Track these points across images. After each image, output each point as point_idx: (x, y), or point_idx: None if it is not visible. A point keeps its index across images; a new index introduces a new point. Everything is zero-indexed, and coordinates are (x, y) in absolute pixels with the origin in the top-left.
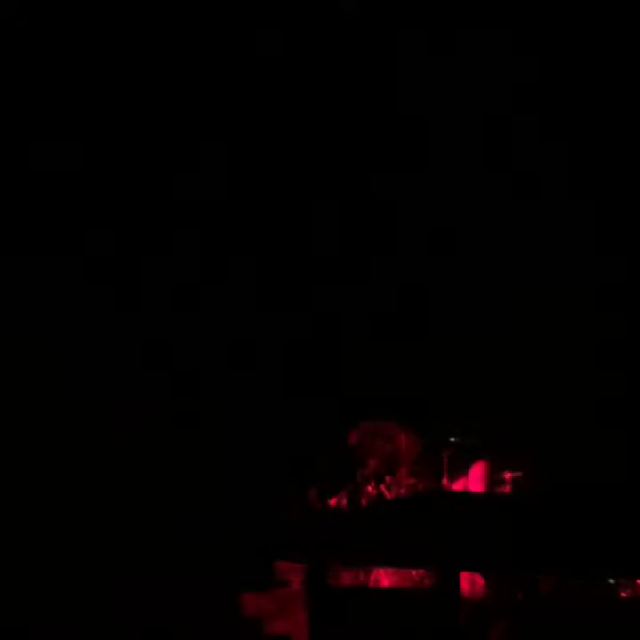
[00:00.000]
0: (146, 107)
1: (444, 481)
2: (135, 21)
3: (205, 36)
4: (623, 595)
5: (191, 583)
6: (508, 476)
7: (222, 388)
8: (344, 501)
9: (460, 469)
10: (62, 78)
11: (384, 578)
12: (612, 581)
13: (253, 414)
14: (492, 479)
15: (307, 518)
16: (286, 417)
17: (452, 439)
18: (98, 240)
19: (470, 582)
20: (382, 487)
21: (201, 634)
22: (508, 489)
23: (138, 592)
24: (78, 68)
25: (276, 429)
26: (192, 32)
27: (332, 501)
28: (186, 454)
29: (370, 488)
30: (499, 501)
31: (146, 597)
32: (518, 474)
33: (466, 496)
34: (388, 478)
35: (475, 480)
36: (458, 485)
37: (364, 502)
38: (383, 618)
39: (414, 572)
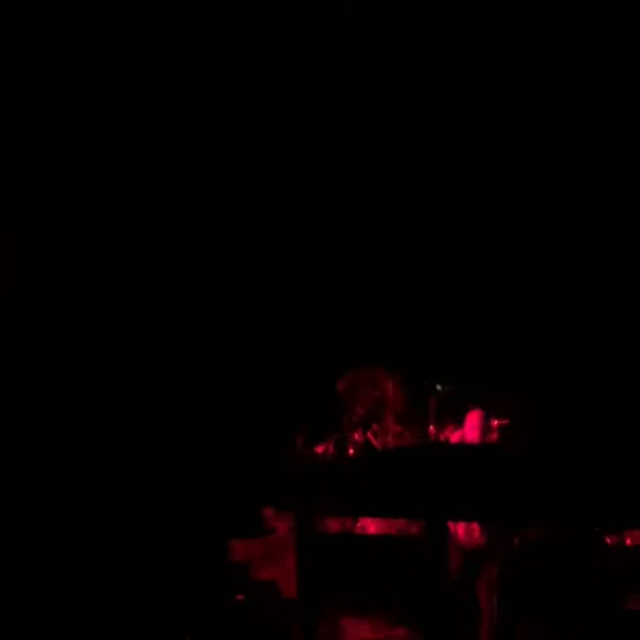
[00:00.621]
0: None
1: (431, 428)
2: None
3: None
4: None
5: (178, 530)
6: (494, 423)
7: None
8: (331, 449)
9: (448, 417)
10: None
11: (371, 525)
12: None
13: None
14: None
15: (294, 466)
16: (274, 363)
17: (439, 386)
18: None
19: (466, 530)
20: (369, 434)
21: (188, 580)
22: (494, 437)
23: (124, 537)
24: None
25: (261, 375)
26: None
27: (319, 449)
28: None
29: (357, 435)
30: (488, 451)
31: (132, 542)
32: (505, 421)
33: (456, 447)
34: (374, 425)
35: (471, 428)
36: (450, 432)
37: (351, 450)
38: (370, 564)
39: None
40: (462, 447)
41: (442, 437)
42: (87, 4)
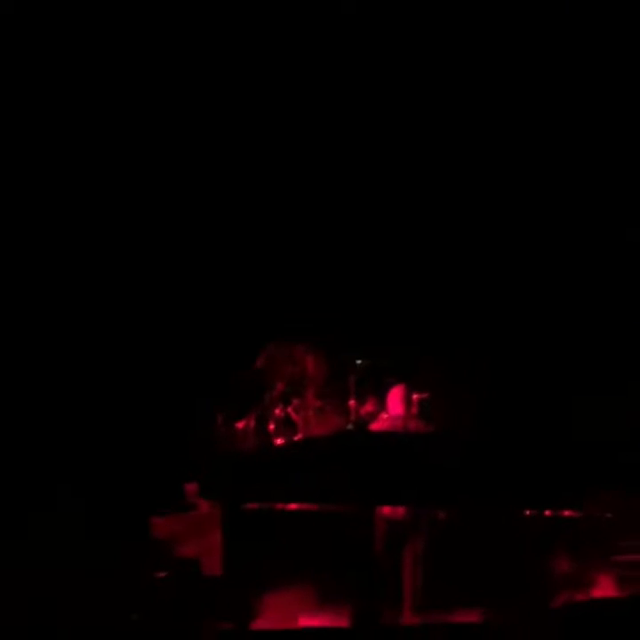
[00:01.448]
0: None
1: (351, 403)
2: None
3: None
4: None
5: (100, 508)
6: (414, 397)
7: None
8: (252, 424)
9: (367, 391)
10: None
11: None
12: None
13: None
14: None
15: (219, 445)
16: (194, 339)
17: (359, 360)
18: None
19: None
20: (289, 410)
21: (111, 558)
22: (414, 410)
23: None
24: None
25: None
26: None
27: (240, 424)
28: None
29: (277, 411)
30: (408, 436)
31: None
32: (425, 395)
33: (379, 434)
34: (295, 401)
35: (394, 403)
36: (370, 407)
37: (271, 425)
38: (295, 538)
39: None
40: (380, 433)
41: (362, 412)
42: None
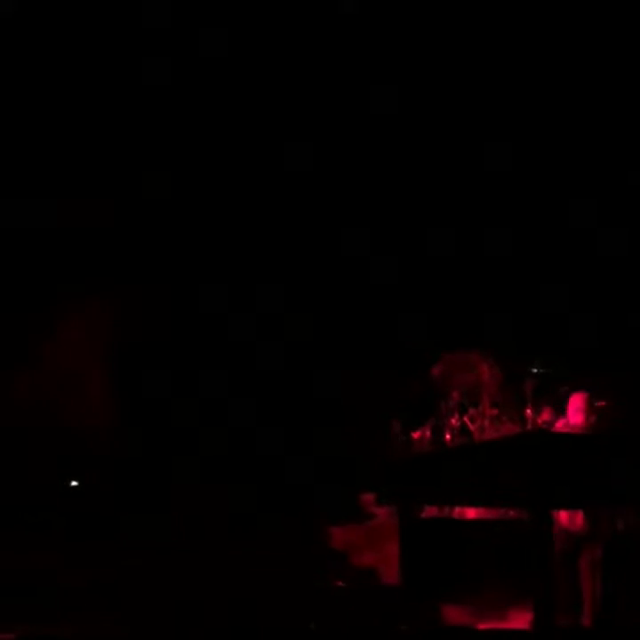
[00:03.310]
0: None
1: (527, 411)
2: None
3: None
4: None
5: (280, 519)
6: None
7: None
8: (428, 433)
9: (543, 399)
10: None
11: (469, 510)
12: None
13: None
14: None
15: (395, 455)
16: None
17: (534, 369)
18: None
19: (570, 515)
20: (465, 419)
21: (290, 567)
22: (594, 418)
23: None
24: None
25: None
26: None
27: (416, 434)
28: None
29: (453, 420)
30: (587, 438)
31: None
32: (603, 403)
33: (556, 436)
34: (471, 410)
35: (574, 410)
36: (546, 415)
37: (447, 435)
38: (472, 549)
39: None
40: (561, 435)
41: (539, 421)
42: None
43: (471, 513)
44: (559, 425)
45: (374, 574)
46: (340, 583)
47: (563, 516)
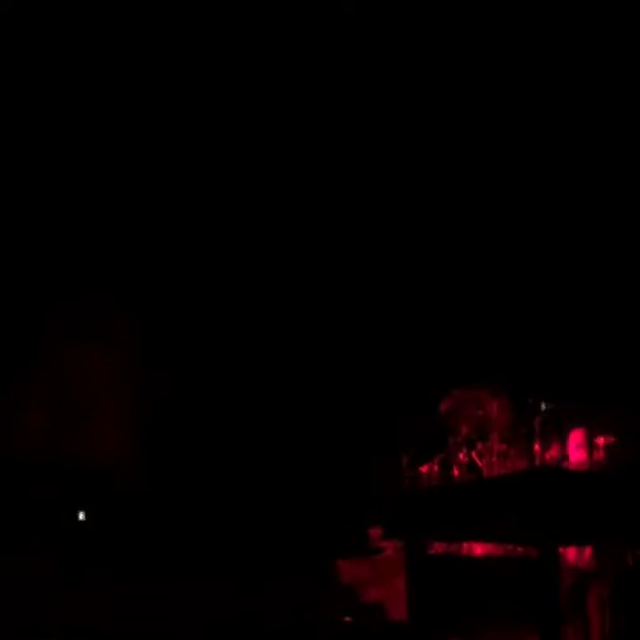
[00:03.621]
0: None
1: (536, 447)
2: None
3: None
4: None
5: (287, 552)
6: (601, 441)
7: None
8: (436, 468)
9: (553, 435)
10: None
11: (477, 546)
12: None
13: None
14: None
15: (402, 490)
16: (377, 383)
17: (543, 404)
18: None
19: (578, 551)
20: (474, 454)
21: (297, 601)
22: (601, 455)
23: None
24: None
25: (366, 396)
26: None
27: (424, 468)
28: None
29: (461, 455)
30: (594, 475)
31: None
32: (611, 440)
33: (564, 472)
34: (479, 445)
35: (574, 447)
36: (555, 451)
37: (455, 470)
38: (479, 585)
39: None
40: (568, 472)
41: (547, 456)
42: None
43: (479, 548)
44: (564, 462)
45: (382, 609)
46: (348, 618)
47: (570, 552)
